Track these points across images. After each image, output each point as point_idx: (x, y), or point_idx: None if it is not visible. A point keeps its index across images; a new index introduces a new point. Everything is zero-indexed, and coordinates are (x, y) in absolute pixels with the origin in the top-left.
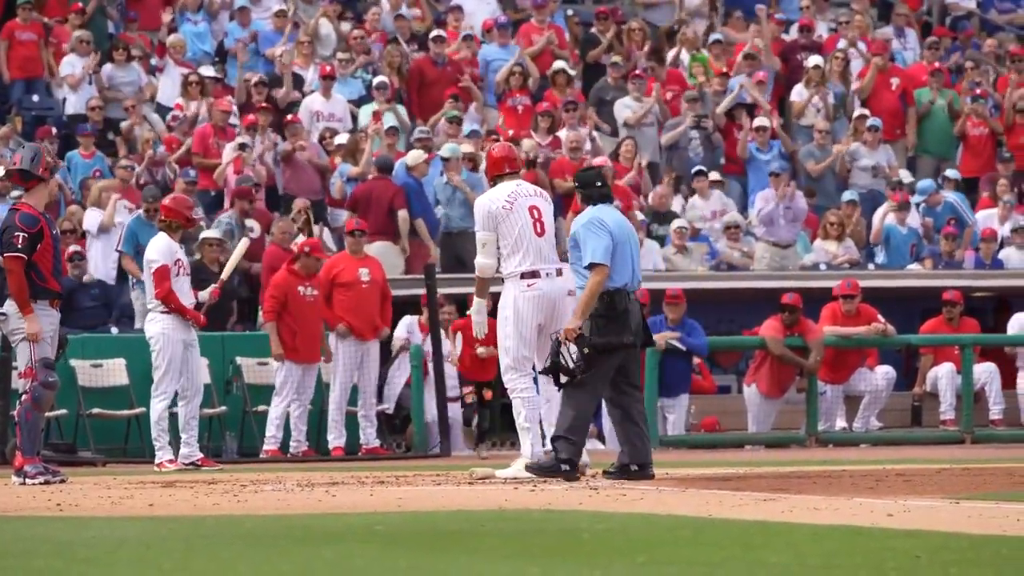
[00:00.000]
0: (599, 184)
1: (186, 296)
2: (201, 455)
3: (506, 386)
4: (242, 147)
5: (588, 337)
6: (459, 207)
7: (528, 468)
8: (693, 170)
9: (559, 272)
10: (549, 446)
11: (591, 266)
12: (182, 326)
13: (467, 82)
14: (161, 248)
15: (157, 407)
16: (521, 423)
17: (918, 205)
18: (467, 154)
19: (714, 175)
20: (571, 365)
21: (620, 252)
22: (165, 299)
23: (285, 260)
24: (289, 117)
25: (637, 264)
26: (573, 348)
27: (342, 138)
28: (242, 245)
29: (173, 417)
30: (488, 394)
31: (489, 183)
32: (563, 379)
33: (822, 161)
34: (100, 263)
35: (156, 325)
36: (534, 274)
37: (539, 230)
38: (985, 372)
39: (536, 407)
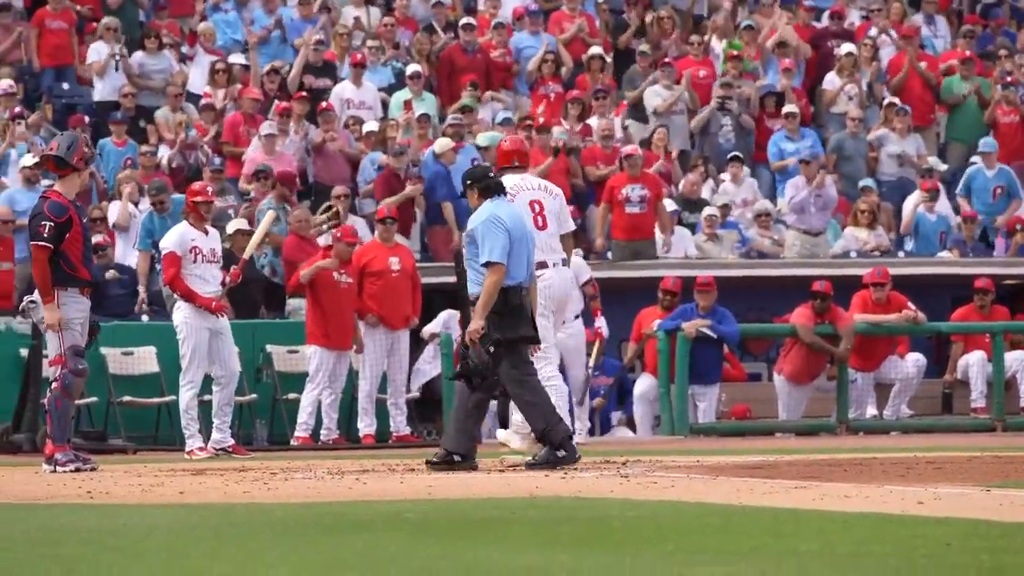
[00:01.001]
0: (491, 176)
1: (210, 283)
2: (232, 442)
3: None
4: (270, 138)
5: (492, 335)
6: None
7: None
8: (728, 155)
9: (564, 263)
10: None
11: (488, 264)
12: (206, 313)
13: (502, 66)
14: (172, 236)
15: (185, 395)
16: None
17: (951, 183)
18: (482, 146)
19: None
20: (480, 366)
21: (516, 250)
22: (171, 285)
23: (303, 248)
24: (324, 105)
25: (531, 259)
26: (478, 350)
27: (371, 126)
28: (267, 219)
29: (204, 405)
30: None
31: (496, 175)
32: (475, 381)
33: (855, 149)
34: (127, 252)
35: (179, 313)
36: (542, 264)
37: (540, 224)
38: (1016, 360)
39: (562, 393)
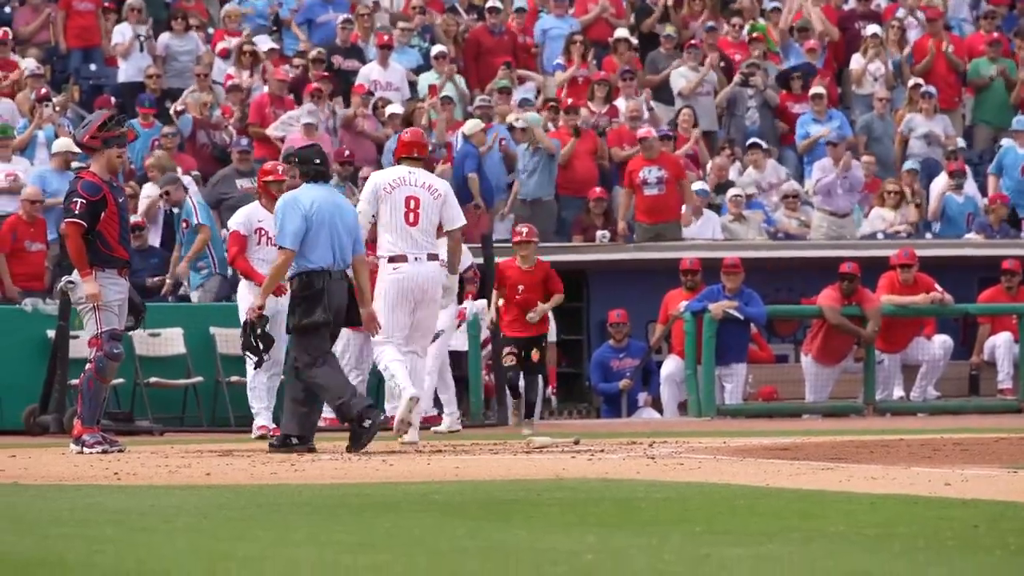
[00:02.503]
0: (317, 161)
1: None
2: (272, 425)
3: (376, 359)
4: (308, 127)
5: (268, 318)
6: (539, 175)
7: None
8: (748, 142)
9: (430, 257)
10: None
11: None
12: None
13: (531, 51)
14: (239, 215)
15: (248, 373)
16: (392, 384)
17: (978, 165)
18: (523, 126)
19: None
20: (257, 343)
21: (317, 234)
22: (233, 264)
23: None
24: (358, 84)
25: (341, 244)
26: (254, 328)
27: (395, 107)
28: None
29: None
30: (536, 355)
31: (395, 163)
32: (255, 358)
33: (883, 130)
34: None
35: (240, 291)
36: (401, 258)
37: (411, 220)
38: None
39: (401, 368)
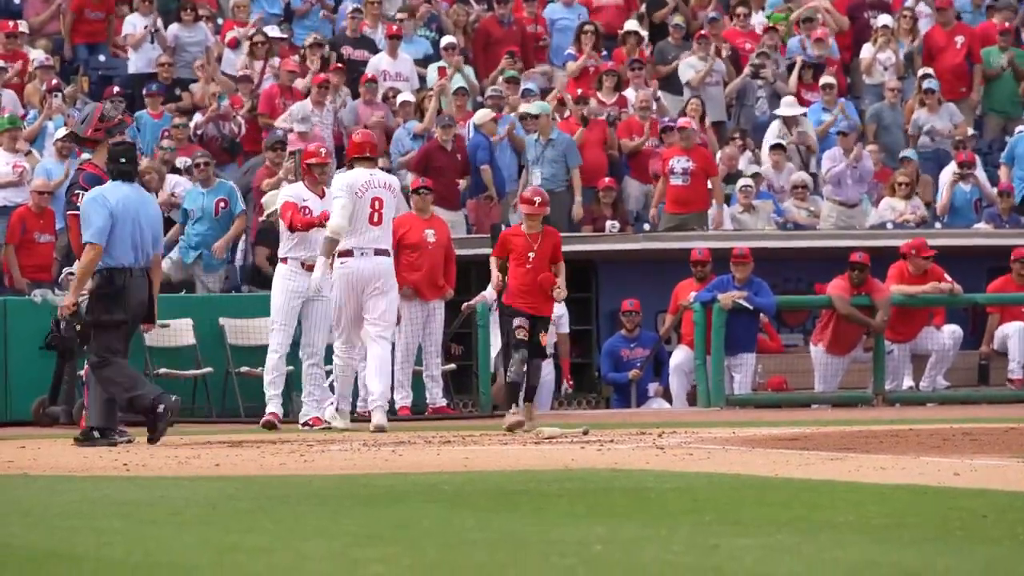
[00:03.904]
0: (123, 160)
1: (315, 249)
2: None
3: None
4: (304, 120)
5: (83, 314)
6: (549, 166)
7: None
8: (769, 144)
9: (377, 252)
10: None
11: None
12: (303, 280)
13: (544, 42)
14: (287, 190)
15: (268, 359)
16: (336, 386)
17: (988, 155)
18: (532, 115)
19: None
20: (67, 340)
21: (120, 231)
22: (291, 228)
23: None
24: (369, 75)
25: (144, 242)
26: (67, 324)
27: (407, 96)
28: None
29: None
30: (544, 337)
31: (347, 164)
32: (62, 352)
33: (893, 120)
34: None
35: (277, 276)
36: (348, 253)
37: (375, 220)
38: None
39: (349, 375)
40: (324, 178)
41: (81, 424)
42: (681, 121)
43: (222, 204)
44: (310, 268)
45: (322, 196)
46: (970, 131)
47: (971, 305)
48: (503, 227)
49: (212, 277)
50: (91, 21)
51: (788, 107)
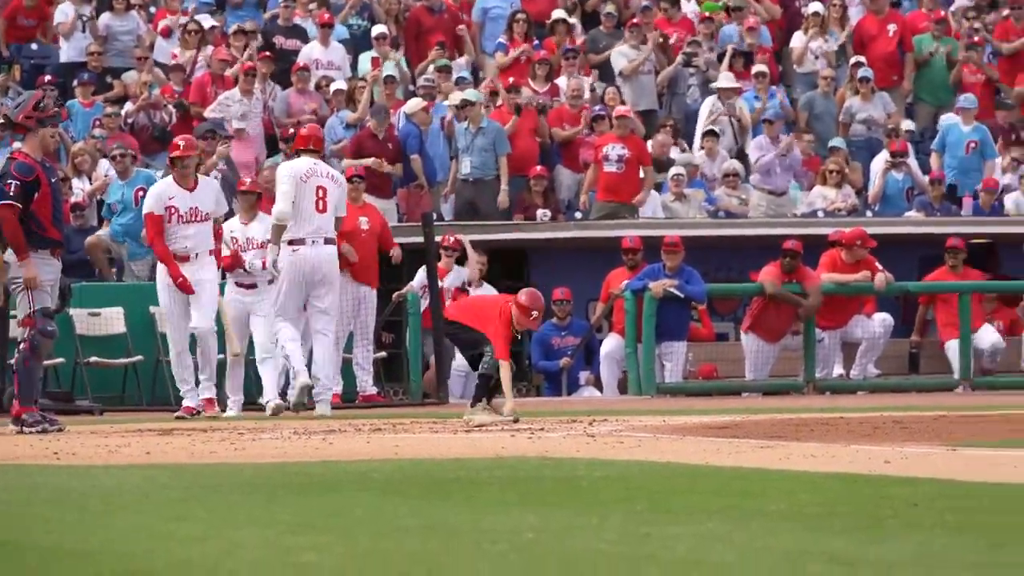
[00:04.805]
0: None
1: (193, 243)
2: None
3: (275, 333)
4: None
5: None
6: (479, 154)
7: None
8: (702, 130)
9: (327, 241)
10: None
11: None
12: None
13: (463, 31)
14: (149, 196)
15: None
16: (288, 366)
17: (919, 143)
18: (469, 102)
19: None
20: None
21: None
22: (151, 247)
23: None
24: (302, 63)
25: None
26: None
27: (339, 84)
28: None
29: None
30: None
31: (292, 154)
32: None
33: (824, 108)
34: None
35: (158, 279)
36: (300, 241)
37: (321, 207)
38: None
39: (298, 351)
40: (188, 171)
41: (11, 412)
42: (620, 109)
43: (141, 194)
44: (250, 287)
45: (192, 189)
46: (907, 122)
47: (903, 294)
48: (434, 216)
49: (140, 264)
50: (24, 28)
51: (725, 80)
